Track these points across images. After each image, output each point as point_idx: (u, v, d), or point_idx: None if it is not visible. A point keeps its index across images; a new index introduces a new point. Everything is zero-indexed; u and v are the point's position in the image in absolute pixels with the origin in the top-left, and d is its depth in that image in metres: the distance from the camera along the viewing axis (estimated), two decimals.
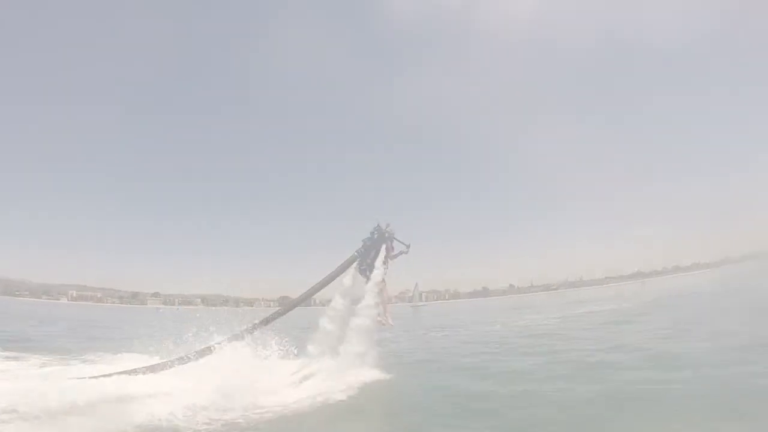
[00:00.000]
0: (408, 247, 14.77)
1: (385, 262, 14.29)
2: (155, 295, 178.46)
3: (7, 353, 15.68)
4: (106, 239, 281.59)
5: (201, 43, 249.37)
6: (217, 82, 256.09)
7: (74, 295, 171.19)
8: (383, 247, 14.40)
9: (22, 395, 8.89)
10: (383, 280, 14.21)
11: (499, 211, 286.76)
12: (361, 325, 13.43)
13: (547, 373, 12.11)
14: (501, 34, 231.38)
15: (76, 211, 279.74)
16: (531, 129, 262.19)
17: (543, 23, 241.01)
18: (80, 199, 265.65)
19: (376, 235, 14.66)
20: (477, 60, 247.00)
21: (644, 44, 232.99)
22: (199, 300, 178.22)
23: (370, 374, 12.53)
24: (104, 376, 11.58)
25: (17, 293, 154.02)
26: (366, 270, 14.39)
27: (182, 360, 12.97)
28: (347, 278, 14.57)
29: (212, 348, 13.25)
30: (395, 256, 14.70)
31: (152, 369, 12.69)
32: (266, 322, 14.40)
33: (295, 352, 13.95)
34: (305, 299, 14.93)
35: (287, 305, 15.43)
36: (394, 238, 14.67)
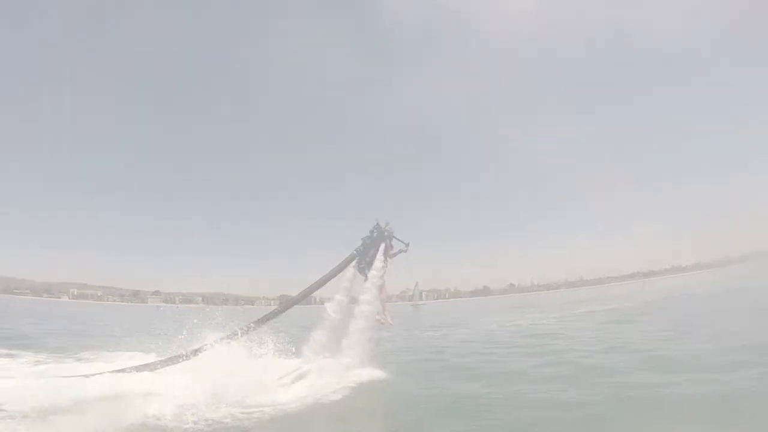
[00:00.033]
0: (407, 245, 14.67)
1: (384, 261, 14.21)
2: (156, 293, 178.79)
3: (1, 350, 15.62)
4: (107, 238, 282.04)
5: (201, 43, 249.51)
6: (217, 82, 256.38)
7: (75, 293, 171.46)
8: (382, 245, 14.31)
9: (10, 393, 8.82)
10: (382, 279, 14.13)
11: (499, 211, 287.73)
12: (360, 323, 13.34)
13: (542, 375, 11.97)
14: (501, 34, 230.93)
15: (77, 210, 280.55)
16: (531, 128, 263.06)
17: (543, 23, 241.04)
18: (81, 198, 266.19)
19: (375, 234, 14.56)
20: (477, 60, 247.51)
21: (644, 44, 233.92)
22: (200, 298, 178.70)
23: (366, 373, 12.44)
24: (96, 374, 11.55)
25: (18, 292, 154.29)
26: (365, 268, 14.29)
27: (177, 359, 12.88)
28: (346, 277, 14.49)
29: (207, 347, 13.16)
30: (394, 255, 14.60)
31: (146, 368, 12.63)
32: (264, 320, 14.31)
33: (293, 350, 13.85)
34: (303, 298, 14.83)
35: (285, 304, 15.37)
36: (394, 237, 14.58)
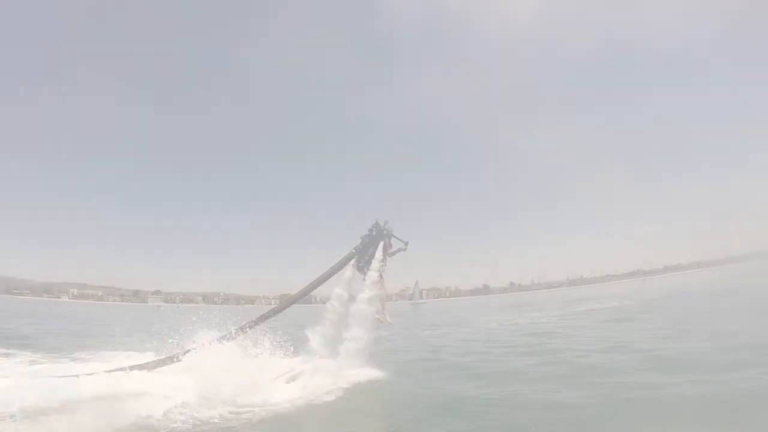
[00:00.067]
0: (406, 244, 14.64)
1: (383, 259, 14.17)
2: (156, 293, 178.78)
3: None
4: (107, 238, 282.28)
5: (201, 43, 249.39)
6: (217, 82, 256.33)
7: (75, 293, 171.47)
8: (381, 244, 14.28)
9: (3, 393, 8.78)
10: (381, 277, 14.09)
11: (499, 210, 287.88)
12: (358, 322, 13.30)
13: (540, 374, 11.87)
14: (501, 34, 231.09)
15: (77, 210, 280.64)
16: (531, 128, 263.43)
17: (542, 23, 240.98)
18: (81, 198, 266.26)
19: (374, 233, 14.53)
20: (477, 60, 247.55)
21: (644, 44, 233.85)
22: (200, 298, 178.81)
23: (364, 373, 12.39)
24: (89, 374, 11.49)
25: (18, 292, 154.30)
26: (364, 267, 14.25)
27: (169, 359, 12.83)
28: (345, 275, 14.45)
29: (199, 347, 13.09)
30: (393, 254, 14.56)
31: (139, 367, 12.56)
32: (262, 319, 14.26)
33: (291, 350, 13.81)
34: (302, 296, 14.80)
35: (283, 303, 15.32)
36: (393, 236, 14.54)
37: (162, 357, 13.04)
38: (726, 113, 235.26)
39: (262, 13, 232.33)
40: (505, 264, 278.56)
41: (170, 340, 13.50)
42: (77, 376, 11.35)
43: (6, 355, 15.12)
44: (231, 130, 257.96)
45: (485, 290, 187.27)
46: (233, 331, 13.71)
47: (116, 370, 12.24)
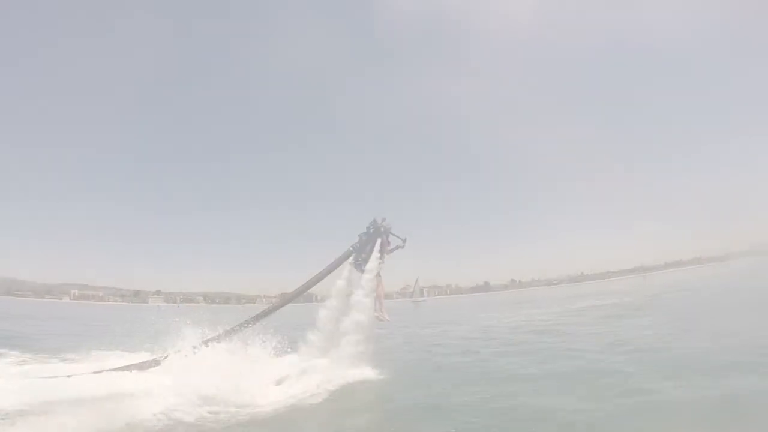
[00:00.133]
0: (404, 241, 14.65)
1: (380, 257, 14.17)
2: (157, 293, 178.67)
3: None
4: (108, 238, 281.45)
5: (201, 43, 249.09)
6: (217, 82, 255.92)
7: (76, 294, 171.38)
8: (379, 241, 14.28)
9: None
10: (379, 275, 14.08)
11: (500, 208, 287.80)
12: (356, 321, 13.27)
13: (538, 374, 11.70)
14: (501, 34, 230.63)
15: (78, 211, 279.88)
16: (532, 126, 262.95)
17: (542, 23, 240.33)
18: (81, 198, 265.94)
19: (371, 230, 14.52)
20: (477, 59, 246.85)
21: (643, 44, 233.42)
22: (201, 297, 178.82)
23: (359, 372, 12.32)
24: (78, 375, 11.56)
25: (20, 294, 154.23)
26: (362, 265, 14.26)
27: (166, 359, 12.78)
28: (343, 273, 14.43)
29: (198, 347, 13.08)
30: (391, 251, 14.58)
31: (133, 368, 12.52)
32: (256, 319, 14.21)
33: (288, 349, 13.77)
34: (298, 295, 14.76)
35: (279, 302, 15.23)
36: (390, 233, 14.55)
37: (158, 357, 12.99)
38: (726, 112, 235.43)
39: (261, 13, 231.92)
40: (505, 261, 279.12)
41: (175, 334, 13.54)
42: (57, 377, 11.40)
43: None
44: (231, 129, 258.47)
45: (486, 287, 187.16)
46: (222, 333, 13.63)
47: (102, 371, 12.21)
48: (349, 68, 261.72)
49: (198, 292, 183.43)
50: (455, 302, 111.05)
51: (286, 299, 15.06)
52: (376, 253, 14.11)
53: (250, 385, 10.47)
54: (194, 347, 12.97)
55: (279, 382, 11.49)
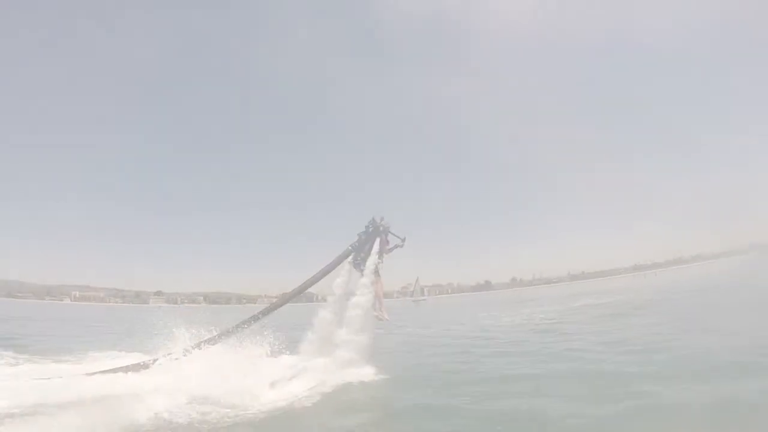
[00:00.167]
0: (403, 240, 14.58)
1: (379, 256, 14.11)
2: (158, 293, 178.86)
3: None
4: (109, 239, 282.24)
5: (201, 43, 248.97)
6: (218, 81, 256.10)
7: (77, 295, 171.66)
8: (377, 240, 14.22)
9: None
10: (378, 274, 14.02)
11: (501, 207, 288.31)
12: (355, 320, 13.20)
13: (536, 375, 11.45)
14: (501, 34, 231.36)
15: (78, 211, 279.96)
16: (532, 126, 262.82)
17: (542, 23, 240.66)
18: (81, 199, 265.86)
19: (370, 229, 14.46)
20: (477, 59, 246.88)
21: (643, 44, 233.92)
22: (202, 298, 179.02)
23: (357, 373, 12.17)
24: (62, 377, 11.47)
25: (20, 295, 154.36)
26: (360, 264, 14.19)
27: (156, 362, 12.66)
28: (342, 273, 14.36)
29: (190, 350, 12.98)
30: (390, 250, 14.52)
31: (121, 371, 12.38)
32: (255, 319, 14.11)
33: (287, 349, 13.69)
34: (297, 295, 14.65)
35: (276, 302, 15.08)
36: (389, 232, 14.48)
37: (132, 363, 12.84)
38: (726, 113, 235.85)
39: (261, 13, 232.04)
40: (506, 260, 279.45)
41: (172, 334, 13.46)
42: (48, 379, 11.33)
43: None
44: (231, 129, 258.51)
45: (487, 286, 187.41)
46: (217, 335, 13.53)
47: (94, 373, 12.11)
48: (349, 68, 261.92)
49: (199, 292, 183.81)
50: (456, 301, 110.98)
51: (284, 299, 14.95)
52: (375, 253, 14.04)
53: (246, 386, 10.33)
54: (186, 350, 12.85)
55: (276, 383, 11.35)
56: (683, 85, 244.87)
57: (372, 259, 13.92)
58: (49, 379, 11.46)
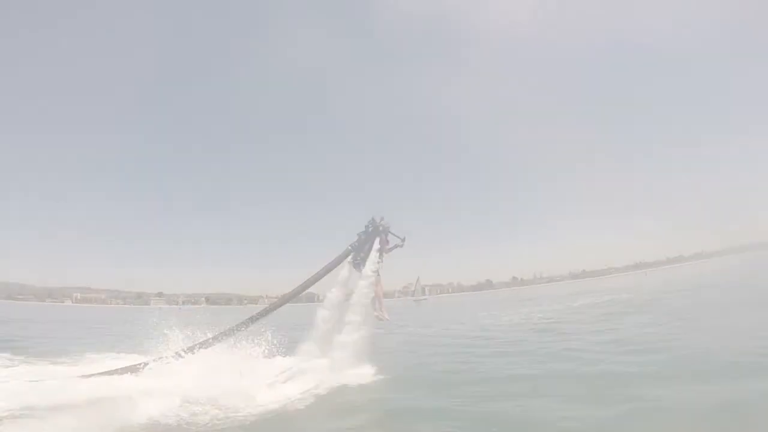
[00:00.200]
0: (403, 240, 14.57)
1: (379, 256, 14.10)
2: (159, 295, 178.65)
3: None
4: (109, 241, 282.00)
5: (201, 43, 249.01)
6: (218, 81, 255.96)
7: (79, 297, 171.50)
8: (377, 240, 14.21)
9: None
10: (378, 274, 14.02)
11: (501, 206, 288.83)
12: (355, 320, 13.18)
13: (534, 375, 11.38)
14: (501, 34, 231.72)
15: (78, 211, 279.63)
16: (532, 126, 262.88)
17: (542, 23, 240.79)
18: (81, 199, 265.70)
19: (370, 229, 14.45)
20: (477, 60, 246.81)
21: (643, 44, 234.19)
22: (204, 299, 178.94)
23: (356, 374, 12.15)
24: (52, 379, 11.47)
25: (21, 297, 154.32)
26: (360, 264, 14.16)
27: (152, 364, 12.58)
28: (342, 273, 14.35)
29: (193, 348, 12.95)
30: (390, 250, 14.50)
31: (123, 371, 12.36)
32: (253, 320, 14.06)
33: (285, 350, 13.67)
34: (296, 295, 14.60)
35: (276, 302, 15.05)
36: (389, 232, 14.47)
37: (150, 359, 12.84)
38: (726, 113, 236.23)
39: (262, 13, 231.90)
40: (507, 259, 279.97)
41: (170, 335, 13.46)
42: (40, 380, 11.34)
43: None
44: (232, 129, 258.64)
45: (488, 285, 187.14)
46: (211, 338, 13.47)
47: (91, 375, 12.13)
48: (349, 68, 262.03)
49: (200, 293, 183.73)
50: (457, 300, 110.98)
51: (282, 300, 14.90)
52: (374, 252, 14.03)
53: (242, 387, 10.27)
54: (177, 354, 12.75)
55: (272, 384, 11.30)
56: (683, 85, 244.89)
57: (372, 259, 13.91)
58: (40, 381, 11.44)
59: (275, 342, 13.61)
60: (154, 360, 12.67)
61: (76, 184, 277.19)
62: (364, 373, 12.20)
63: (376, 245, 14.15)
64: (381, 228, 14.35)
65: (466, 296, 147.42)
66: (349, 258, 14.41)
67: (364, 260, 14.10)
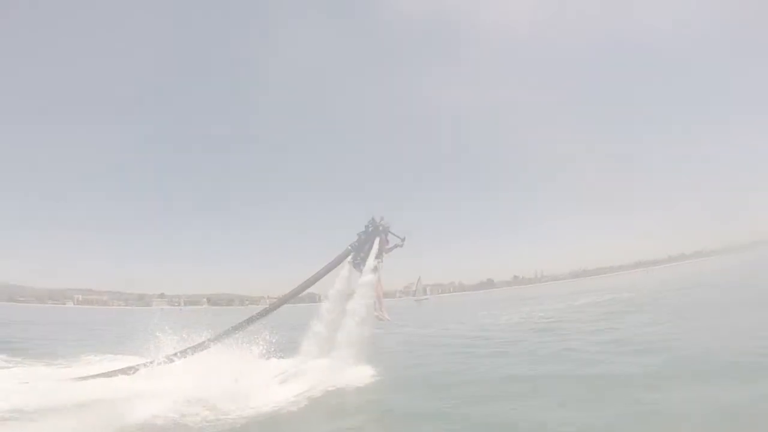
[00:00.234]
0: (403, 240, 14.60)
1: (379, 256, 14.12)
2: (161, 296, 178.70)
3: None
4: (110, 242, 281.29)
5: (201, 43, 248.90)
6: (218, 81, 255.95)
7: (80, 299, 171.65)
8: (377, 240, 14.23)
9: None
10: (377, 274, 14.03)
11: (502, 206, 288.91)
12: (354, 321, 13.15)
13: (533, 376, 11.29)
14: (501, 34, 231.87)
15: (79, 212, 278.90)
16: (533, 125, 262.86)
17: (543, 23, 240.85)
18: (81, 199, 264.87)
19: (370, 229, 14.47)
20: (477, 59, 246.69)
21: (644, 44, 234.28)
22: (205, 300, 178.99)
23: (355, 374, 12.10)
24: (44, 381, 11.53)
25: (22, 299, 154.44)
26: (360, 264, 14.17)
27: (156, 362, 12.60)
28: (342, 273, 14.35)
29: (191, 349, 12.91)
30: (390, 250, 14.53)
31: (115, 374, 12.32)
32: (251, 321, 14.03)
33: (283, 352, 13.66)
34: (295, 295, 14.54)
35: (275, 303, 15.04)
36: (389, 232, 14.50)
37: (147, 360, 12.84)
38: (726, 113, 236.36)
39: (262, 13, 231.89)
40: (508, 258, 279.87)
41: (169, 336, 13.45)
42: (28, 383, 11.38)
43: None
44: (232, 129, 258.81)
45: (489, 284, 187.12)
46: (226, 332, 13.46)
47: (70, 379, 12.12)
48: (349, 68, 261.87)
49: (202, 294, 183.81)
50: (458, 300, 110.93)
51: (281, 301, 14.87)
52: (374, 252, 14.06)
53: (236, 389, 10.19)
54: (168, 357, 12.70)
55: (271, 385, 11.27)
56: (683, 85, 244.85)
57: (372, 259, 13.93)
58: (31, 383, 11.46)
59: (273, 342, 13.60)
60: (144, 364, 12.53)
61: (77, 184, 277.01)
62: (361, 375, 12.12)
63: (376, 245, 14.18)
64: (381, 228, 14.37)
65: (467, 296, 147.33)
66: (349, 258, 14.42)
67: (364, 260, 14.11)
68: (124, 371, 12.46)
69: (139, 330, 14.40)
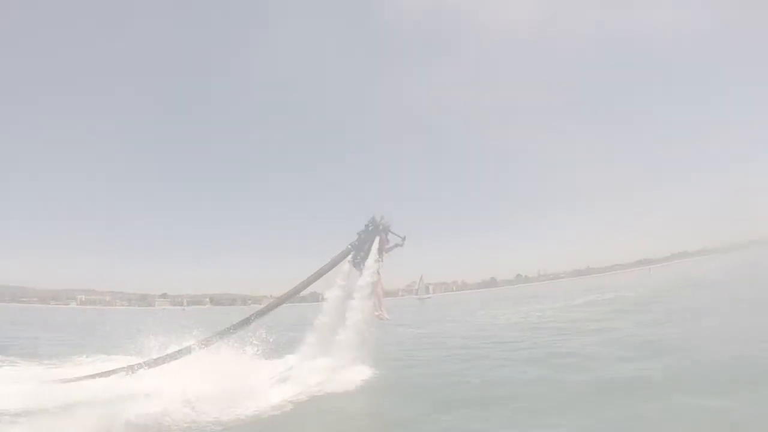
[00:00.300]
0: (403, 239, 14.53)
1: (379, 255, 14.08)
2: (164, 296, 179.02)
3: None
4: (114, 243, 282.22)
5: (200, 43, 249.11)
6: (217, 81, 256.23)
7: (83, 299, 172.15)
8: (377, 239, 14.18)
9: None
10: (378, 273, 14.00)
11: (505, 205, 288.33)
12: (354, 320, 13.10)
13: (532, 377, 11.21)
14: (501, 33, 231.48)
15: (80, 212, 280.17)
16: (533, 125, 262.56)
17: (542, 23, 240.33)
18: (85, 201, 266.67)
19: (370, 228, 14.42)
20: (477, 59, 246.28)
21: (644, 43, 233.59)
22: (208, 300, 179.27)
23: (354, 375, 12.06)
24: (29, 383, 11.48)
25: (24, 300, 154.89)
26: (360, 263, 14.09)
27: (154, 363, 12.56)
28: (342, 272, 14.30)
29: (190, 349, 12.84)
30: (390, 249, 14.46)
31: (105, 375, 12.29)
32: (248, 321, 13.97)
33: (282, 352, 13.61)
34: (294, 294, 14.48)
35: (272, 302, 14.94)
36: (390, 231, 14.43)
37: (145, 360, 12.78)
38: (726, 112, 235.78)
39: (261, 13, 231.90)
40: (511, 257, 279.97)
41: (167, 336, 13.46)
42: (16, 383, 11.38)
43: None
44: (233, 131, 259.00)
45: (492, 283, 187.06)
46: (224, 332, 13.41)
47: (84, 377, 12.14)
48: (349, 68, 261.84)
49: (204, 294, 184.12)
50: (461, 298, 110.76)
51: (279, 300, 14.80)
52: (374, 251, 14.02)
53: (253, 386, 10.21)
54: (156, 361, 12.64)
55: (266, 386, 11.18)
56: (683, 85, 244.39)
57: (372, 258, 13.89)
58: (18, 384, 11.45)
59: (271, 342, 13.54)
60: (124, 370, 12.44)
61: (78, 184, 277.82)
62: (360, 375, 12.09)
63: (376, 244, 14.13)
64: (381, 227, 14.30)
65: (469, 294, 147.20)
66: (349, 257, 14.38)
67: (364, 259, 14.04)
68: (113, 372, 12.40)
69: (140, 330, 14.43)
